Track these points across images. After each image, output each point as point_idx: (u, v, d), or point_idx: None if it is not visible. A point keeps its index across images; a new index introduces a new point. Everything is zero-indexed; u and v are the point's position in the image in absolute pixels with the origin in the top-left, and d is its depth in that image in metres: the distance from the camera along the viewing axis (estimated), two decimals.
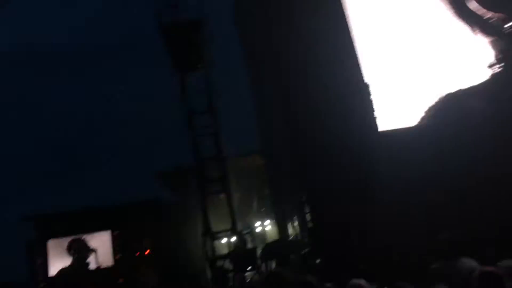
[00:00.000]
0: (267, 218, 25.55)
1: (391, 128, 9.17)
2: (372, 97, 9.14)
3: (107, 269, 33.08)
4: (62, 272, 34.69)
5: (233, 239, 18.68)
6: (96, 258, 33.63)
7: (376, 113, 8.96)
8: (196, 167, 18.52)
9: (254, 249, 18.73)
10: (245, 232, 20.95)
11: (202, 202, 18.54)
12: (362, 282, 4.43)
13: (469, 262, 4.67)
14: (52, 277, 34.27)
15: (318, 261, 11.34)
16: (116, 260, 32.85)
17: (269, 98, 15.47)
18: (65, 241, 36.40)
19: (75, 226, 33.13)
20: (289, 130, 11.37)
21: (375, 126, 8.84)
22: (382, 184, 8.81)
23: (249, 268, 17.89)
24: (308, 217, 11.84)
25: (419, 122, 9.45)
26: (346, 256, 9.10)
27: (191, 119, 18.32)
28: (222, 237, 19.29)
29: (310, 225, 11.74)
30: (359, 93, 9.02)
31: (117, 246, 32.56)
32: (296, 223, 15.68)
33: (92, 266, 34.75)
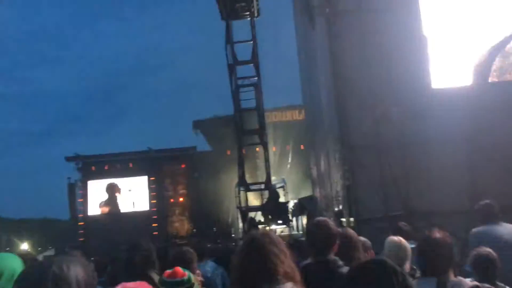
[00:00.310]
0: (302, 173, 25.43)
1: (445, 86, 8.54)
2: (428, 51, 8.51)
3: (141, 213, 34.22)
4: (100, 213, 36.06)
5: (266, 192, 18.62)
6: (132, 202, 34.68)
7: (431, 69, 8.34)
8: (234, 118, 18.34)
9: (286, 203, 18.69)
10: (278, 185, 20.90)
11: (238, 153, 18.46)
12: (400, 238, 4.19)
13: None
14: (91, 216, 35.79)
15: (351, 219, 11.09)
16: (151, 205, 33.87)
17: (315, 50, 14.91)
18: (104, 183, 37.71)
19: (114, 169, 34.19)
20: (336, 82, 10.87)
21: (429, 82, 8.26)
22: (428, 144, 8.32)
23: (280, 222, 17.93)
24: (345, 174, 11.48)
25: (475, 82, 8.79)
26: (378, 219, 8.78)
27: (232, 68, 18.02)
28: (255, 189, 19.28)
29: (346, 183, 11.39)
30: (416, 46, 8.40)
31: (153, 192, 33.47)
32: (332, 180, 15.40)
33: (128, 209, 36.05)
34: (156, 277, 2.68)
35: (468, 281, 2.78)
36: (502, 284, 3.33)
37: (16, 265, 1.79)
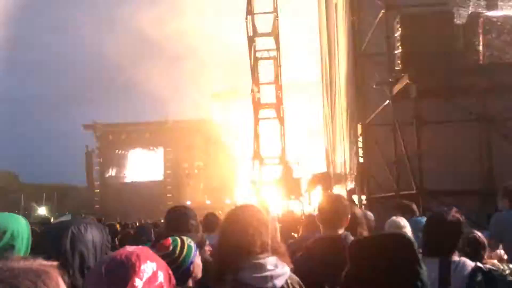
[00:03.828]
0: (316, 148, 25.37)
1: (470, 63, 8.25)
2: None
3: (156, 183, 34.71)
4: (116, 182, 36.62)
5: (281, 166, 18.68)
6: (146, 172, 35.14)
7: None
8: (251, 90, 18.29)
9: (299, 179, 18.75)
10: (293, 161, 20.92)
11: (254, 126, 18.48)
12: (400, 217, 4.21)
13: None
14: (107, 184, 36.46)
15: (363, 197, 11.10)
16: (166, 176, 34.33)
17: (336, 25, 14.67)
18: (120, 152, 38.30)
19: (131, 139, 34.61)
20: (355, 58, 10.72)
21: (454, 58, 8.00)
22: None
23: (292, 197, 18.04)
24: (359, 152, 11.43)
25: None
26: (390, 197, 8.72)
27: (252, 40, 17.85)
28: (270, 163, 19.34)
29: (360, 160, 11.36)
30: (436, 19, 8.14)
31: (168, 162, 33.86)
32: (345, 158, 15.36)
33: (143, 178, 36.60)
34: None
35: (471, 261, 2.77)
36: (498, 263, 3.33)
37: (19, 224, 1.85)
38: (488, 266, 2.95)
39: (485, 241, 3.42)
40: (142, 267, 1.39)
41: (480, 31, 7.66)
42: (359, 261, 1.60)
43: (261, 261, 2.06)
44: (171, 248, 2.27)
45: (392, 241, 1.63)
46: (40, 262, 0.98)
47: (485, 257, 3.37)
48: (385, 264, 1.52)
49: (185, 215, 3.02)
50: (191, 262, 2.30)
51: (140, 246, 1.49)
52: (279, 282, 2.06)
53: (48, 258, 1.10)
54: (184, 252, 2.28)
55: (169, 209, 3.20)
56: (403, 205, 5.08)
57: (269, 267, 2.06)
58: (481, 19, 7.75)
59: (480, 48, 7.65)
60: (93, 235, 1.85)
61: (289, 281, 2.12)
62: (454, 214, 2.86)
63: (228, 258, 2.10)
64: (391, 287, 1.52)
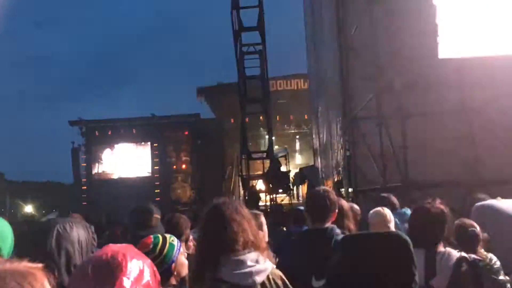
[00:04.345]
0: (304, 142, 25.48)
1: (453, 56, 8.33)
2: (437, 20, 8.29)
3: (144, 179, 34.50)
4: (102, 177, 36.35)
5: (268, 160, 18.70)
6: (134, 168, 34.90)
7: (439, 38, 8.12)
8: (238, 85, 18.19)
9: (287, 172, 18.80)
10: (281, 154, 20.97)
11: (241, 121, 18.43)
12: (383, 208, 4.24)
13: None
14: (94, 181, 36.14)
15: (350, 190, 11.18)
16: (153, 171, 34.13)
17: (322, 18, 14.69)
18: (107, 148, 37.99)
19: (117, 135, 34.30)
20: (340, 52, 10.75)
21: (436, 52, 8.08)
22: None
23: (281, 190, 18.08)
24: (346, 145, 11.50)
25: None
26: (377, 189, 8.80)
27: (238, 35, 17.74)
28: (257, 158, 19.34)
29: (347, 153, 11.42)
30: (424, 15, 8.19)
31: (155, 158, 33.66)
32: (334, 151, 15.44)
33: (130, 175, 36.35)
34: None
35: (456, 252, 2.81)
36: (485, 253, 3.38)
37: (2, 226, 1.84)
38: (473, 256, 2.99)
39: (481, 235, 3.47)
40: (129, 265, 1.38)
41: None
42: (353, 257, 1.59)
43: (241, 257, 2.04)
44: (151, 246, 2.26)
45: (389, 240, 1.63)
46: (25, 264, 0.98)
47: (478, 248, 3.43)
48: (381, 263, 1.52)
49: (148, 212, 3.03)
50: (172, 261, 2.29)
51: (124, 244, 1.49)
52: (259, 278, 2.03)
53: (33, 257, 1.10)
54: (165, 251, 2.27)
55: (131, 209, 3.18)
56: (381, 198, 5.13)
57: (249, 263, 2.04)
58: None
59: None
60: (78, 233, 1.86)
61: (270, 277, 2.09)
62: (438, 205, 2.90)
63: (208, 255, 2.07)
64: (386, 285, 1.53)
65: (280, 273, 2.16)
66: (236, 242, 2.05)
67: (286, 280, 2.15)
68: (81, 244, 1.84)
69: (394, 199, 5.09)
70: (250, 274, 2.01)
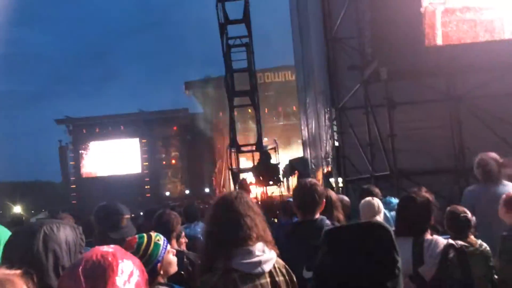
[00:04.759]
0: (293, 134, 25.54)
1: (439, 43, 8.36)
2: (422, 9, 8.31)
3: (134, 175, 34.39)
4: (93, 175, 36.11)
5: (258, 153, 18.74)
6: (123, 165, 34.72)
7: (425, 26, 8.13)
8: (225, 78, 18.17)
9: (277, 165, 18.84)
10: (270, 147, 21.01)
11: (229, 114, 18.41)
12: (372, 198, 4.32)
13: None
14: (83, 179, 35.94)
15: (340, 180, 11.24)
16: (143, 168, 34.01)
17: (308, 9, 14.67)
18: (95, 146, 37.78)
19: (105, 132, 34.09)
20: (327, 42, 10.74)
21: (422, 40, 8.10)
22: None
23: (271, 182, 18.13)
24: (334, 135, 11.55)
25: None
26: (365, 179, 8.84)
27: (223, 28, 17.68)
28: (247, 151, 19.36)
29: (335, 144, 11.47)
30: (409, 2, 8.19)
31: (144, 154, 33.54)
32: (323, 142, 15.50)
33: (120, 172, 36.21)
34: None
35: (443, 239, 2.85)
36: (475, 239, 3.43)
37: None
38: (460, 242, 3.04)
39: (473, 220, 3.53)
40: (120, 266, 1.39)
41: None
42: (337, 249, 1.62)
43: (250, 247, 2.12)
44: (135, 247, 2.25)
45: (370, 230, 1.66)
46: (3, 272, 0.97)
47: (469, 234, 3.48)
48: (364, 252, 1.56)
49: (118, 213, 3.01)
50: (158, 261, 2.28)
51: (112, 245, 1.49)
52: (267, 266, 2.13)
53: (20, 259, 1.09)
54: (150, 251, 2.26)
55: (97, 210, 3.14)
56: (364, 190, 5.17)
57: (257, 252, 2.13)
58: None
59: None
60: (66, 234, 1.84)
61: (276, 265, 2.20)
62: (424, 194, 2.94)
63: (221, 248, 2.12)
64: (370, 275, 1.56)
65: (283, 263, 2.27)
66: (250, 238, 2.13)
67: (289, 269, 2.27)
68: (69, 245, 1.82)
69: (375, 189, 5.14)
70: (259, 263, 2.11)
